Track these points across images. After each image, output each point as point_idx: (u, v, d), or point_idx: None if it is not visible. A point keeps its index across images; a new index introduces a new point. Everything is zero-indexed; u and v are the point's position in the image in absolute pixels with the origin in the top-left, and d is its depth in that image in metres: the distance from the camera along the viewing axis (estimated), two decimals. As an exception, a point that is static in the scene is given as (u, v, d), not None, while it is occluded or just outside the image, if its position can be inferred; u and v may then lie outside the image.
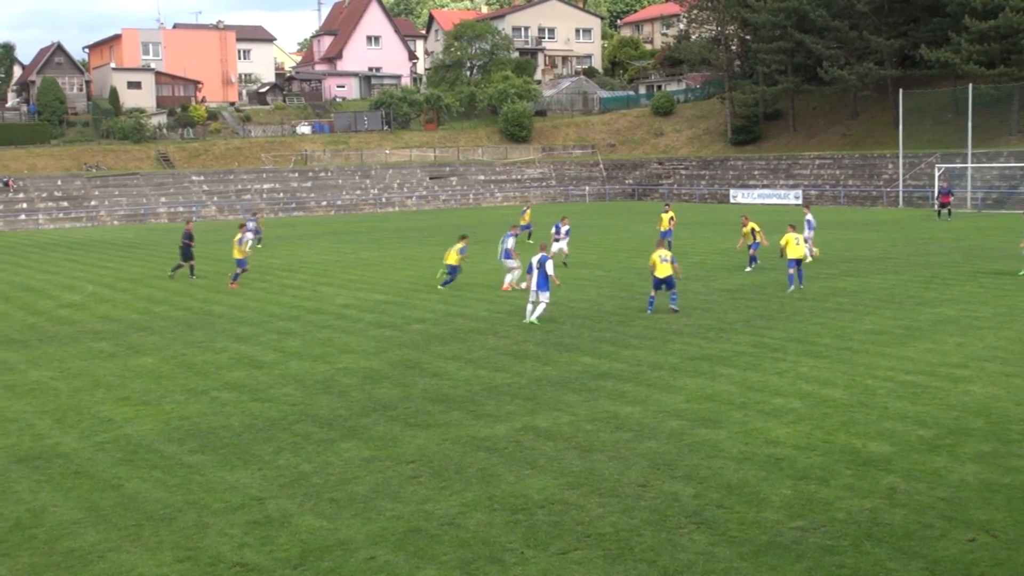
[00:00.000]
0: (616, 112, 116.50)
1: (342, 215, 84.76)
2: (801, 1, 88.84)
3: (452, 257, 34.08)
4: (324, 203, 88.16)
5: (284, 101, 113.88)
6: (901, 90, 78.99)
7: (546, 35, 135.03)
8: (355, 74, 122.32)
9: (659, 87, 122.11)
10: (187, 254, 38.63)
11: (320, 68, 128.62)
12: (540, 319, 26.85)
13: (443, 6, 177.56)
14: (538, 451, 15.56)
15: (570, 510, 13.04)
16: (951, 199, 64.18)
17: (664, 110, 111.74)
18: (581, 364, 21.62)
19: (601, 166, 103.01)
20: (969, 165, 71.97)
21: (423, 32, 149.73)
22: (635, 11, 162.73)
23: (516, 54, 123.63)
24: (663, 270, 27.64)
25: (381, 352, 23.50)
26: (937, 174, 71.31)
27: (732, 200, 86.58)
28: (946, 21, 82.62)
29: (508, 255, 33.08)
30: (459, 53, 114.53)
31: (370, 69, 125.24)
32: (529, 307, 27.05)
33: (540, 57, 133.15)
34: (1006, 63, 77.53)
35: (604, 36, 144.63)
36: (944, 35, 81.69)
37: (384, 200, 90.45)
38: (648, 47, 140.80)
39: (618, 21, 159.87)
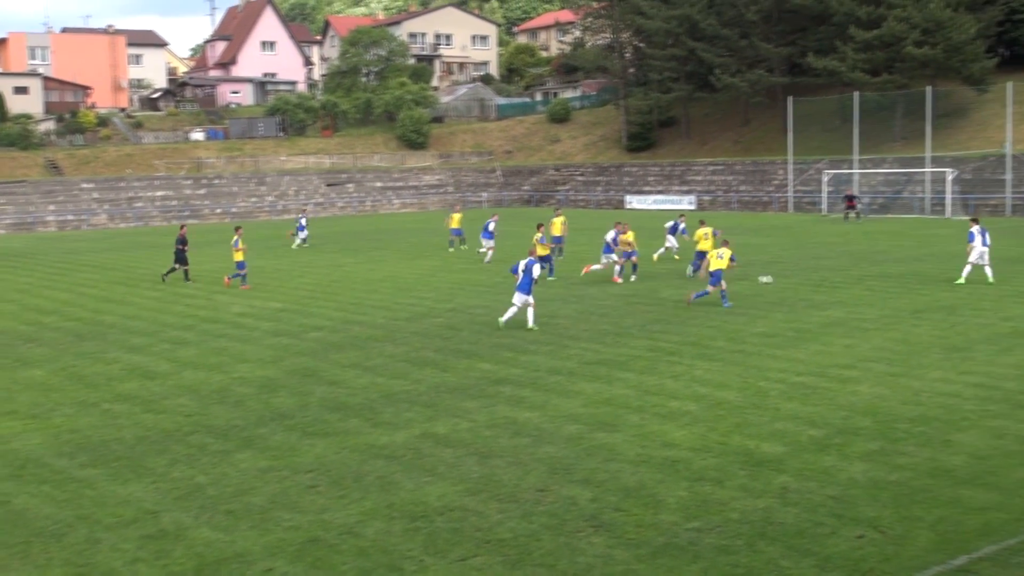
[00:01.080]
0: (513, 119, 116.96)
1: (237, 222, 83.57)
2: (692, 9, 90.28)
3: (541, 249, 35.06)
4: (219, 210, 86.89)
5: (177, 107, 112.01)
6: (790, 97, 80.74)
7: (443, 42, 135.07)
8: (250, 80, 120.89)
9: (555, 94, 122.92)
10: (181, 258, 39.18)
11: (214, 74, 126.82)
12: (508, 323, 26.54)
13: (339, 12, 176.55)
14: (437, 458, 15.53)
15: (469, 516, 13.04)
16: (857, 203, 66.23)
17: (560, 117, 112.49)
18: (480, 370, 21.63)
19: (498, 172, 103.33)
20: (856, 171, 73.77)
21: (319, 38, 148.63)
22: (531, 18, 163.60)
23: (413, 60, 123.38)
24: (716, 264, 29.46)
25: (278, 361, 23.24)
26: (825, 180, 73.07)
27: (628, 206, 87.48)
28: (832, 30, 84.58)
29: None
30: (355, 59, 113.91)
31: (265, 75, 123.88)
32: (511, 311, 26.56)
33: (437, 64, 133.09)
34: (889, 71, 79.62)
35: (500, 43, 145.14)
36: (831, 44, 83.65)
37: (280, 207, 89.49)
38: (544, 54, 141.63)
39: (514, 28, 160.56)
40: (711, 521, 12.69)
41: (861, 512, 12.88)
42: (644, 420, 17.33)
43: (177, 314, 30.85)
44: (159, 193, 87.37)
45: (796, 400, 18.40)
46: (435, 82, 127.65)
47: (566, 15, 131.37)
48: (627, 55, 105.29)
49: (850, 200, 66.14)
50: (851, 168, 74.44)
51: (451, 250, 49.59)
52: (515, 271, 26.69)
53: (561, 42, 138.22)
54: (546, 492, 13.88)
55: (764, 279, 34.49)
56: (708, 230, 35.56)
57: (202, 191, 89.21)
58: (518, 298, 26.41)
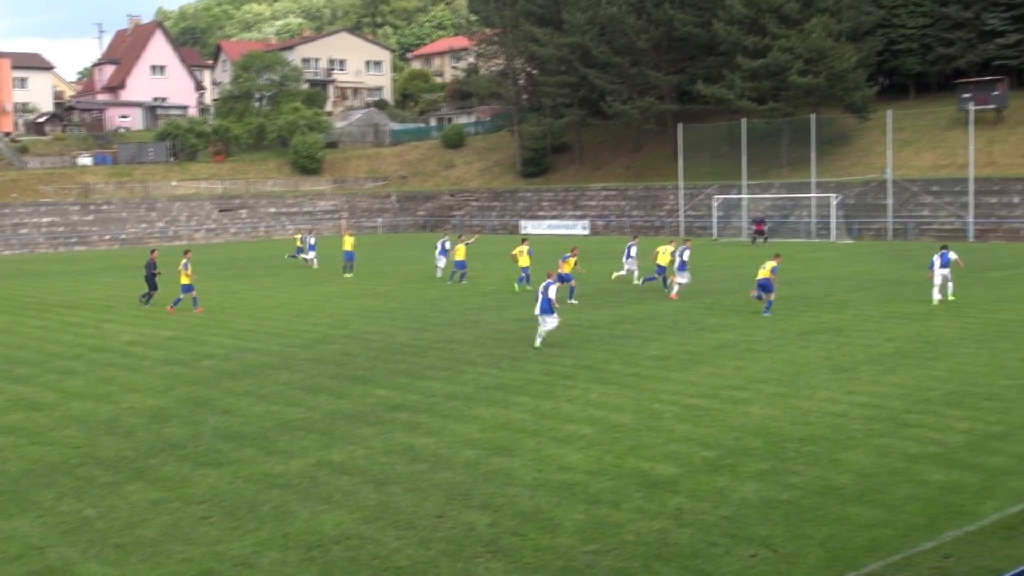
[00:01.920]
0: (407, 144, 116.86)
1: (127, 249, 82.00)
2: (584, 37, 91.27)
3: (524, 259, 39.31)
4: (107, 237, 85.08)
5: (64, 131, 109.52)
6: (681, 124, 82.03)
7: (336, 67, 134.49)
8: (139, 104, 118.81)
9: (450, 120, 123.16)
10: (152, 283, 38.80)
11: (102, 98, 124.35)
12: (544, 342, 27.16)
13: (231, 36, 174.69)
14: (333, 486, 15.36)
15: (366, 544, 12.91)
16: (765, 227, 67.61)
17: (455, 142, 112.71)
18: (376, 396, 21.49)
19: (393, 198, 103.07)
20: (744, 196, 75.26)
21: (210, 62, 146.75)
22: (425, 44, 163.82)
23: (306, 85, 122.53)
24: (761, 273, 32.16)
25: (169, 390, 22.79)
26: (715, 204, 74.40)
27: (523, 230, 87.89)
28: (720, 59, 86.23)
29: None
30: (248, 84, 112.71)
31: (155, 99, 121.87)
32: (546, 329, 27.16)
33: (331, 89, 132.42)
34: (775, 99, 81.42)
35: (395, 69, 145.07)
36: (719, 72, 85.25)
37: (171, 233, 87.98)
38: (438, 80, 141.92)
39: (408, 54, 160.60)
40: (608, 543, 12.75)
41: (754, 531, 13.07)
42: (541, 444, 17.37)
43: (64, 343, 30.08)
44: (45, 219, 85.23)
45: (689, 422, 18.62)
46: (329, 107, 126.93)
47: (460, 42, 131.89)
48: (520, 81, 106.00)
49: (759, 224, 67.55)
50: (740, 193, 75.91)
51: (347, 276, 49.26)
52: (536, 293, 27.75)
53: (455, 68, 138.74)
54: (444, 518, 13.82)
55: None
56: (670, 247, 39.08)
57: (90, 217, 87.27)
58: (549, 321, 27.10)
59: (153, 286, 39.01)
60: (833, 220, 68.40)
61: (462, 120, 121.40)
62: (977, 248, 58.48)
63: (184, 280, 36.76)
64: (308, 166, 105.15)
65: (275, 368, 25.04)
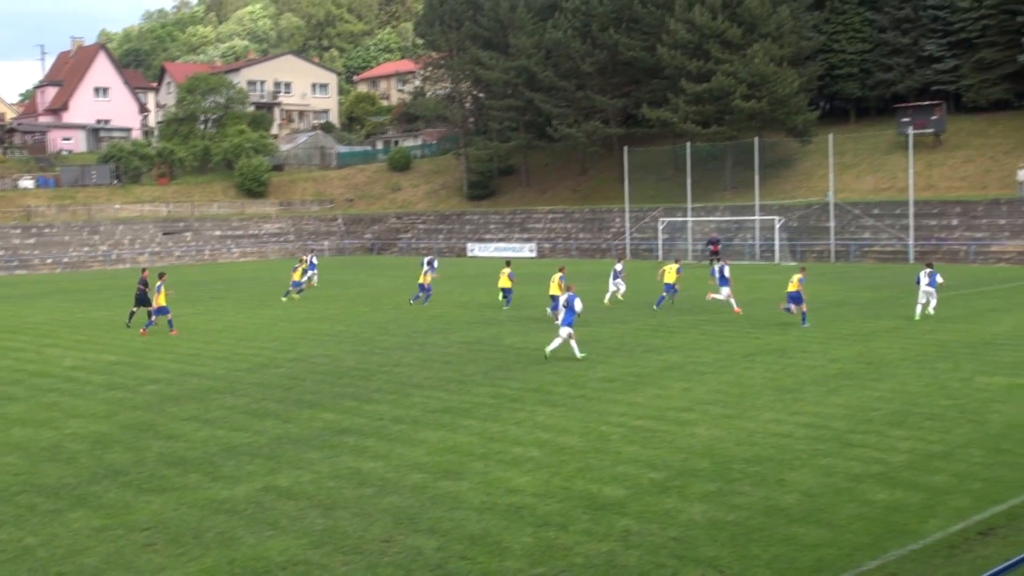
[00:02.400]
0: (354, 167, 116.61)
1: (69, 273, 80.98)
2: (530, 61, 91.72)
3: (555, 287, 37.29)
4: (49, 260, 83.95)
5: (5, 154, 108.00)
6: (626, 147, 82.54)
7: (282, 89, 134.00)
8: (82, 126, 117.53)
9: (396, 142, 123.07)
10: (143, 300, 38.81)
11: (44, 120, 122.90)
12: (551, 352, 28.53)
13: (175, 58, 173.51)
14: (279, 511, 15.21)
15: (313, 570, 12.79)
16: (719, 248, 68.14)
17: (401, 165, 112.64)
18: (322, 420, 21.33)
19: (340, 221, 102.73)
20: (689, 219, 75.86)
21: (154, 84, 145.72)
22: (371, 67, 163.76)
23: (252, 108, 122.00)
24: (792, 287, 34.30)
25: (112, 415, 22.48)
26: (660, 227, 74.88)
27: (470, 254, 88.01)
28: (665, 83, 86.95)
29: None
30: (192, 106, 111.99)
31: (98, 121, 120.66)
32: (556, 342, 28.42)
33: (276, 111, 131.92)
34: (719, 123, 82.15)
35: (341, 91, 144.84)
36: (664, 96, 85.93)
37: (115, 257, 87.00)
38: (385, 103, 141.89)
39: (354, 77, 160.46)
40: (556, 566, 12.73)
41: (701, 552, 13.11)
42: (488, 467, 17.33)
43: (4, 368, 29.59)
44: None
45: (636, 443, 18.66)
46: (275, 130, 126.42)
47: (406, 65, 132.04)
48: (467, 105, 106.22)
49: (714, 244, 68.04)
50: (685, 216, 76.47)
51: (284, 299, 49.02)
52: (555, 307, 29.32)
53: (401, 91, 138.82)
54: (391, 542, 13.73)
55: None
56: (675, 266, 42.04)
57: (31, 240, 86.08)
58: (563, 331, 28.29)
59: (144, 302, 38.75)
60: (777, 242, 69.11)
61: (409, 143, 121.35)
62: (917, 270, 59.23)
63: (160, 302, 36.77)
64: (254, 189, 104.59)
65: (220, 392, 24.79)
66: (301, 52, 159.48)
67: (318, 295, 51.09)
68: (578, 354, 28.30)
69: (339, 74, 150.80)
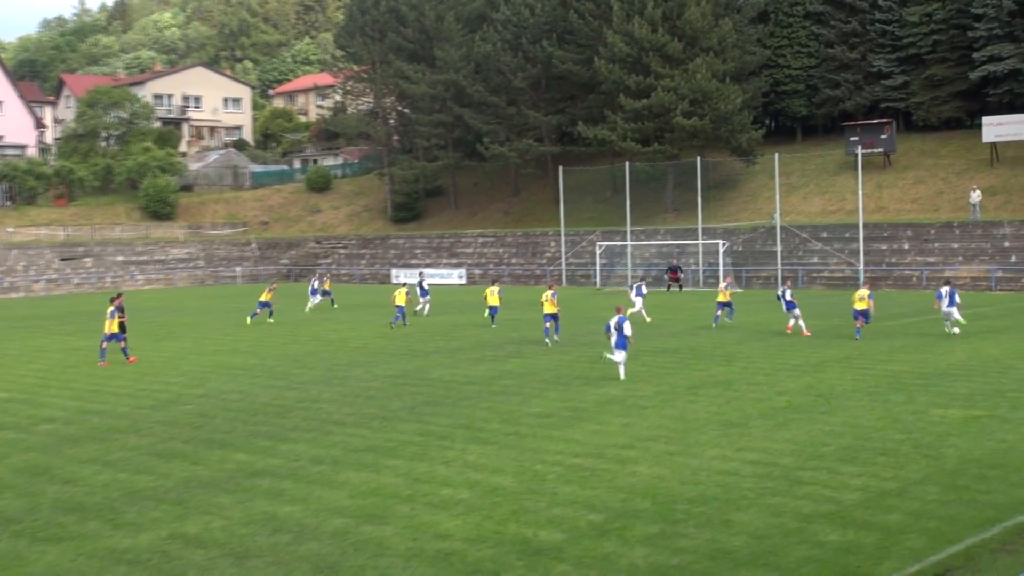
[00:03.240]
0: (269, 187, 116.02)
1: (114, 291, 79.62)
2: (458, 75, 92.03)
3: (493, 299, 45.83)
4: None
5: None
6: (561, 167, 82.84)
7: (191, 104, 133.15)
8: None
9: (315, 161, 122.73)
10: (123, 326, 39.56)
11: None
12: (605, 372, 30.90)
13: (75, 70, 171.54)
14: (187, 561, 14.96)
15: (224, 625, 12.58)
16: (680, 275, 68.56)
17: (320, 186, 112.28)
18: (235, 461, 21.07)
19: (254, 245, 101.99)
20: (628, 243, 76.30)
21: (52, 98, 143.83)
22: (288, 81, 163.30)
23: (158, 124, 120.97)
24: (861, 304, 38.55)
25: (3, 458, 22.02)
26: (598, 251, 75.25)
27: (394, 280, 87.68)
28: (602, 99, 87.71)
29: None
30: (93, 122, 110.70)
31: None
32: (620, 368, 30.38)
33: (185, 128, 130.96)
34: (660, 141, 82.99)
35: (255, 106, 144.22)
36: (601, 113, 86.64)
37: (7, 284, 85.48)
38: (303, 119, 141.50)
39: (270, 91, 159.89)
40: (488, 617, 12.64)
41: (643, 600, 13.09)
42: (415, 510, 17.21)
43: None
44: None
45: (574, 483, 18.65)
46: (183, 147, 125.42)
47: (325, 78, 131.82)
48: (391, 121, 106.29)
49: (674, 272, 68.57)
50: (624, 240, 76.93)
51: (250, 321, 51.67)
52: (608, 330, 30.49)
53: (320, 107, 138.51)
54: (309, 594, 13.55)
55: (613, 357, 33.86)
56: (724, 283, 46.03)
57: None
58: (619, 355, 30.07)
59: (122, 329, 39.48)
60: (721, 268, 69.70)
61: (328, 162, 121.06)
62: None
63: (113, 328, 37.15)
64: (160, 211, 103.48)
65: (123, 432, 24.40)
66: (212, 64, 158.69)
67: (230, 327, 50.63)
68: (622, 375, 30.23)
69: (253, 88, 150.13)
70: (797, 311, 41.21)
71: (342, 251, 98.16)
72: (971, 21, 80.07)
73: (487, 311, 47.66)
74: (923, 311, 49.70)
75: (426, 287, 56.35)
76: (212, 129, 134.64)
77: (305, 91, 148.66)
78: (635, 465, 19.88)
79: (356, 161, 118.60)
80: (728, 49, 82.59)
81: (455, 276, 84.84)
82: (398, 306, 48.45)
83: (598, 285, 74.53)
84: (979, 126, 78.03)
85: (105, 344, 37.44)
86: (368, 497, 18.11)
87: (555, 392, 28.50)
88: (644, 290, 49.26)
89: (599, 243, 76.75)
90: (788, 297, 41.56)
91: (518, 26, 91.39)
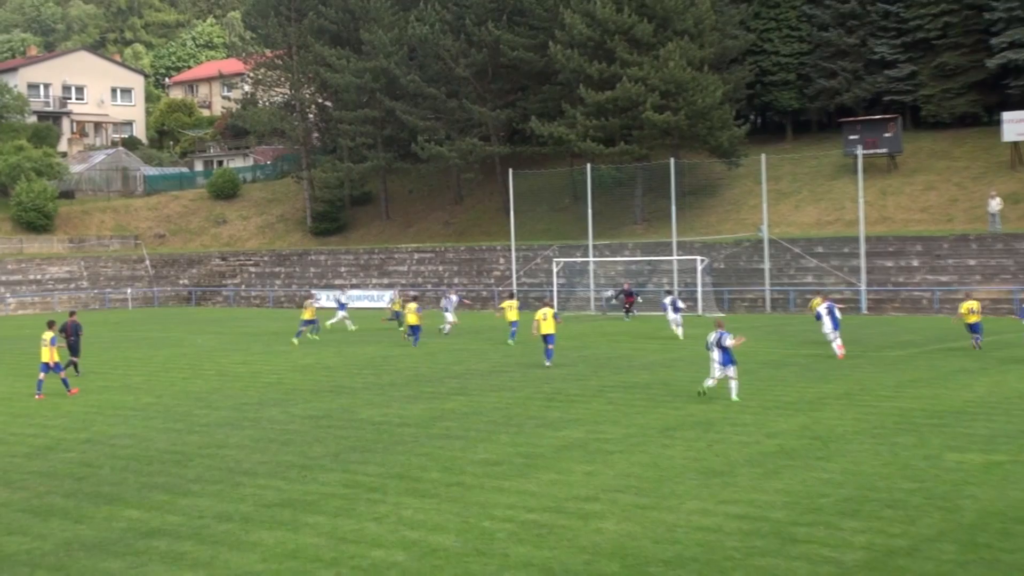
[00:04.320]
0: (166, 194, 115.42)
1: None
2: (389, 61, 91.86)
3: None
4: None
5: None
6: (511, 170, 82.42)
7: (73, 95, 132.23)
8: None
9: (220, 163, 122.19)
10: (75, 349, 44.38)
11: None
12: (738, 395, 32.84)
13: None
14: (68, 639, 14.80)
15: None
16: (635, 299, 68.64)
17: (227, 192, 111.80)
18: (125, 519, 20.87)
19: (147, 263, 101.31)
20: (591, 259, 76.32)
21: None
22: (187, 68, 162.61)
23: (33, 118, 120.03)
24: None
25: None
26: (555, 269, 75.22)
27: (316, 303, 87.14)
28: (559, 90, 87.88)
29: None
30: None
31: None
32: (709, 382, 33.12)
33: (66, 123, 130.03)
34: (627, 140, 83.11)
35: (149, 98, 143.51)
36: (558, 107, 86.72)
37: None
38: (205, 113, 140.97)
39: (166, 80, 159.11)
40: None
41: None
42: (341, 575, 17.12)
43: None
44: None
45: (528, 543, 18.60)
46: (63, 146, 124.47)
47: (232, 65, 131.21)
48: (310, 116, 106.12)
49: (629, 296, 68.54)
50: (585, 255, 76.94)
51: (296, 341, 54.96)
52: (709, 347, 32.96)
53: (227, 98, 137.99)
54: (215, 677, 13.43)
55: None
56: (821, 300, 46.29)
57: None
58: (729, 370, 32.66)
59: (75, 351, 44.18)
60: (699, 288, 69.88)
61: (236, 164, 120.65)
62: (871, 322, 60.65)
63: (53, 357, 38.60)
64: (35, 222, 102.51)
65: (-10, 485, 24.13)
66: (98, 48, 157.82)
67: (120, 360, 50.24)
68: (734, 395, 32.69)
69: (147, 76, 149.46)
70: (837, 332, 43.93)
71: (252, 269, 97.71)
72: (988, 1, 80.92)
73: (510, 326, 52.57)
74: (936, 338, 50.13)
75: (343, 301, 62.54)
76: (98, 124, 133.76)
77: (208, 80, 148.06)
78: (600, 521, 19.86)
79: (269, 163, 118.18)
80: (706, 32, 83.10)
81: (387, 299, 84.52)
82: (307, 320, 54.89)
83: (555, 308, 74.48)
84: (998, 123, 78.77)
85: (42, 375, 38.36)
86: (285, 561, 17.99)
87: (505, 435, 28.45)
88: (681, 305, 54.59)
89: (556, 259, 76.70)
90: (837, 314, 44.23)
91: (460, 4, 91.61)
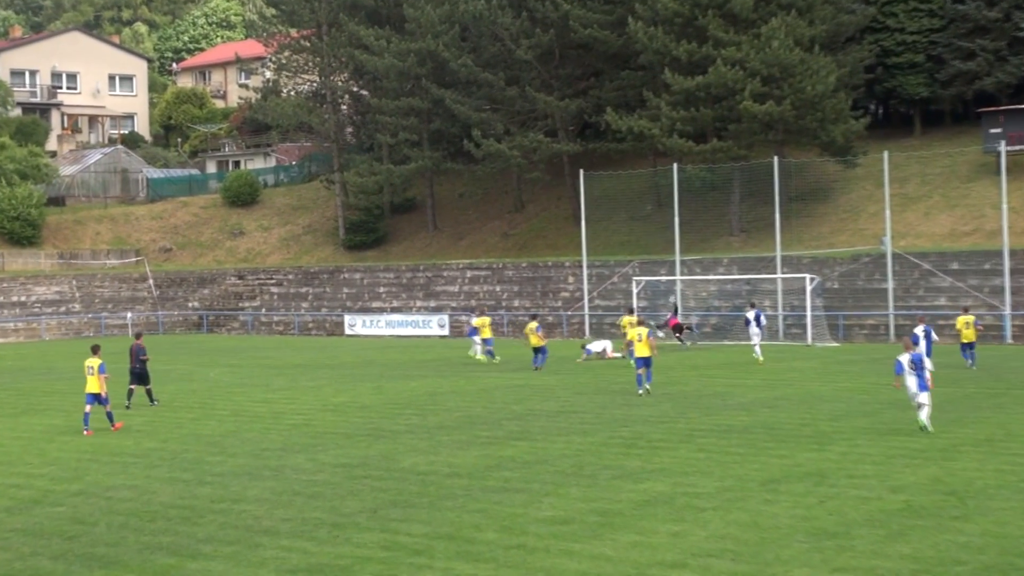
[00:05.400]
0: (173, 200, 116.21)
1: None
2: (437, 43, 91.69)
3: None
4: None
5: None
6: (582, 171, 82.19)
7: (64, 83, 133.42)
8: None
9: (237, 164, 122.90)
10: (141, 375, 47.15)
11: None
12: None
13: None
14: None
15: None
16: (681, 323, 68.29)
17: (244, 198, 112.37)
18: (124, 587, 21.00)
19: (151, 282, 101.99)
20: (678, 277, 76.05)
21: None
22: (200, 51, 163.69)
23: (18, 111, 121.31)
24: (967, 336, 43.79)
25: None
26: (635, 289, 74.89)
27: (350, 330, 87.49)
28: (639, 76, 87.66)
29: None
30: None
31: None
32: (923, 414, 34.56)
33: (55, 116, 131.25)
34: (720, 135, 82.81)
35: (153, 87, 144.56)
36: (638, 95, 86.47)
37: None
38: (219, 104, 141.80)
39: (173, 65, 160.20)
40: None
41: None
42: (379, 656, 17.12)
43: None
44: None
45: (604, 618, 18.55)
46: (53, 144, 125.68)
47: (252, 47, 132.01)
48: (343, 107, 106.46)
49: (673, 317, 68.07)
50: (671, 273, 76.65)
51: (481, 358, 60.44)
52: (899, 370, 34.68)
53: (245, 87, 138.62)
54: None
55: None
56: (970, 319, 51.49)
57: None
58: (923, 396, 34.34)
59: (143, 379, 46.89)
60: (809, 313, 69.46)
61: (255, 165, 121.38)
62: (1017, 354, 60.02)
63: (103, 387, 40.47)
64: (19, 233, 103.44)
65: (-35, 545, 24.35)
66: (93, 29, 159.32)
67: (116, 396, 50.61)
68: (927, 423, 34.39)
69: (151, 61, 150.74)
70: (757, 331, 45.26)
71: (275, 289, 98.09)
72: None
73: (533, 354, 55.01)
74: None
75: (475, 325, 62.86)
76: (93, 119, 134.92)
77: (223, 65, 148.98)
78: (690, 591, 19.79)
79: (294, 164, 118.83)
80: (817, 6, 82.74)
81: (434, 324, 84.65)
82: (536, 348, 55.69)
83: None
84: None
85: (88, 407, 39.85)
86: (312, 637, 18.04)
87: (576, 488, 28.38)
88: (764, 319, 56.68)
89: (636, 278, 76.43)
90: (934, 337, 46.01)
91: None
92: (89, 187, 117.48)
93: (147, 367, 47.14)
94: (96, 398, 40.05)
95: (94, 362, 40.21)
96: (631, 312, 57.79)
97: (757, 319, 57.05)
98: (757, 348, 56.66)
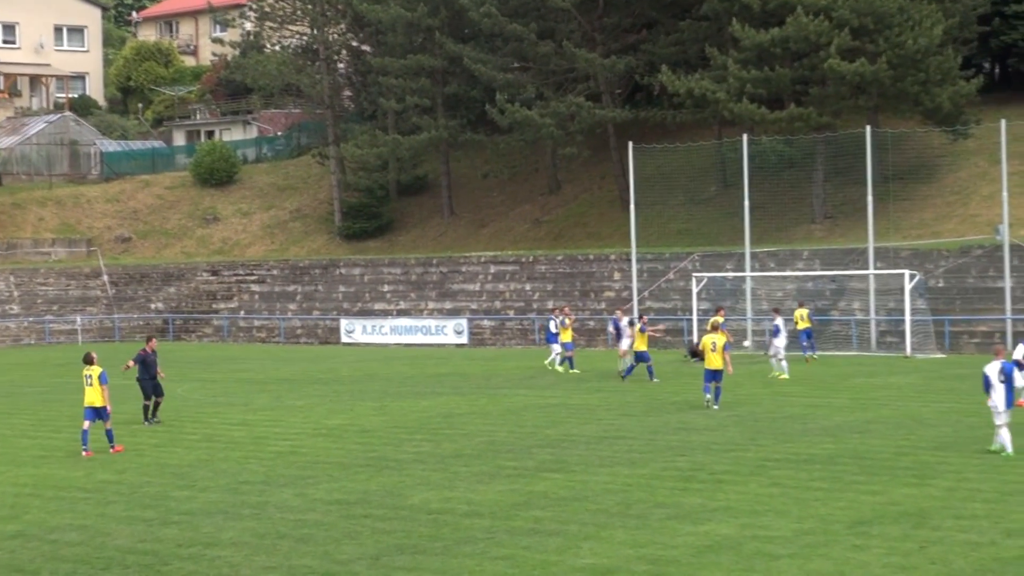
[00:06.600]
0: (132, 179, 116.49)
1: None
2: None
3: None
4: None
5: None
6: (631, 144, 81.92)
7: (1, 37, 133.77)
8: None
9: (210, 134, 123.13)
10: (157, 388, 49.17)
11: None
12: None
13: None
14: None
15: None
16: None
17: (220, 176, 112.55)
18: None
19: (105, 278, 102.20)
20: (748, 274, 75.90)
21: None
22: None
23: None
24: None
25: None
26: (696, 288, 74.72)
27: (347, 338, 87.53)
28: (701, 28, 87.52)
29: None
30: None
31: None
32: (1003, 434, 35.65)
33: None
34: (800, 101, 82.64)
35: (109, 41, 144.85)
36: (700, 52, 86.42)
37: None
38: (189, 62, 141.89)
39: (133, 15, 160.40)
40: None
41: None
42: None
43: None
44: None
45: None
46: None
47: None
48: (340, 66, 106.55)
49: (720, 309, 67.74)
50: (740, 268, 76.51)
51: (559, 369, 62.96)
52: (987, 387, 35.41)
53: (219, 42, 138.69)
54: None
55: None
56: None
57: None
58: (1004, 416, 35.42)
59: (156, 391, 48.83)
60: (908, 317, 69.32)
61: (233, 136, 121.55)
62: None
63: (105, 400, 41.08)
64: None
65: None
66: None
67: (63, 416, 50.77)
68: (1009, 448, 35.33)
69: (106, 9, 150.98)
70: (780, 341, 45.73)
71: (256, 287, 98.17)
72: None
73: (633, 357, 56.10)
74: None
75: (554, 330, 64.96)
76: (35, 79, 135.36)
77: (193, 15, 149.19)
78: (763, 657, 19.86)
79: (280, 134, 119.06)
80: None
81: (449, 330, 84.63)
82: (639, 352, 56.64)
83: (695, 341, 74.10)
84: None
85: (87, 424, 40.59)
86: None
87: (622, 531, 28.42)
88: (781, 327, 58.16)
89: (696, 274, 76.29)
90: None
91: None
92: (30, 163, 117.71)
93: (156, 377, 49.06)
94: (97, 412, 40.45)
95: (93, 371, 40.51)
96: (717, 311, 59.00)
97: (779, 329, 58.56)
98: (784, 363, 57.77)
